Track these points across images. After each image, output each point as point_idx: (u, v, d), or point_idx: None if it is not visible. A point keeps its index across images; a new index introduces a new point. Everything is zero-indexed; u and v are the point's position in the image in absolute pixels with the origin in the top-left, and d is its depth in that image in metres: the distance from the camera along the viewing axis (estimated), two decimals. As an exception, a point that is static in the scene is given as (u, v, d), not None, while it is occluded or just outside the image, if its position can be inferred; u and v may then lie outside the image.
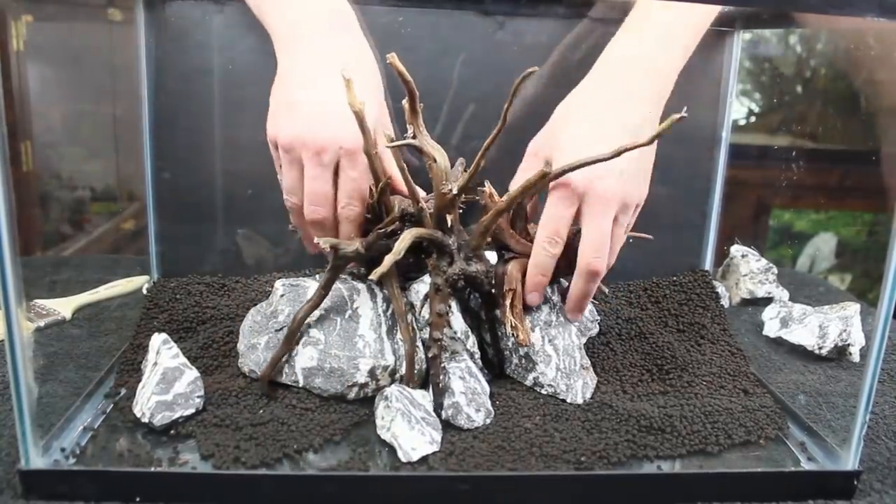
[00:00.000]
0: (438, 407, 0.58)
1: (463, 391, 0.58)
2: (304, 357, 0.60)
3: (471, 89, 0.82)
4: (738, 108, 1.47)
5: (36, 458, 0.49)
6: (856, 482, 0.52)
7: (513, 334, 0.61)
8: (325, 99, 0.63)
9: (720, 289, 0.86)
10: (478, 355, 0.63)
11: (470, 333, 0.63)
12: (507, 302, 0.62)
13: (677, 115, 0.52)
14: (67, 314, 0.79)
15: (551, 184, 0.60)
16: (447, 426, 0.57)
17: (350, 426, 0.57)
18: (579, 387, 0.62)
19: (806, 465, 0.55)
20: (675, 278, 0.85)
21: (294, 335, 0.60)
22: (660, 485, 0.52)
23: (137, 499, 0.49)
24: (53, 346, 0.72)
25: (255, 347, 0.63)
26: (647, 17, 0.68)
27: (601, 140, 0.60)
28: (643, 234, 0.67)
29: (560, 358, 0.63)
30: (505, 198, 0.60)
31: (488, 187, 0.63)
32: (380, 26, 0.80)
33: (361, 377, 0.59)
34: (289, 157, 0.63)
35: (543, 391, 0.63)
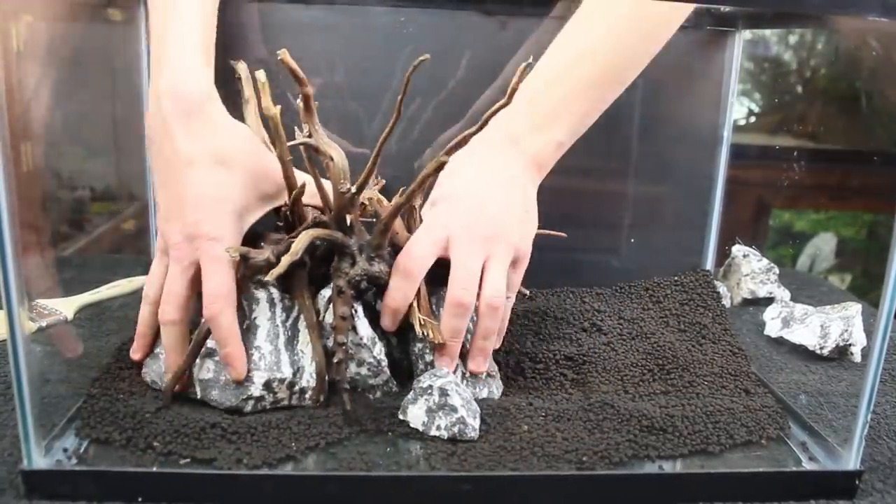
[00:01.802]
0: (351, 420, 0.56)
1: (462, 404, 0.56)
2: (203, 368, 0.58)
3: (473, 89, 0.82)
4: (739, 108, 1.47)
5: (38, 459, 0.49)
6: (857, 482, 0.52)
7: (422, 333, 0.59)
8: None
9: (721, 289, 0.86)
10: (385, 363, 0.61)
11: (377, 340, 0.61)
12: (413, 302, 0.60)
13: (524, 63, 0.52)
14: (69, 314, 0.79)
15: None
16: (452, 440, 0.55)
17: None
18: (484, 395, 0.61)
19: (807, 465, 0.55)
20: (676, 278, 0.85)
21: (198, 349, 0.58)
22: (661, 485, 0.52)
23: (140, 499, 0.49)
24: (56, 346, 0.72)
25: (157, 357, 0.61)
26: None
27: (484, 183, 0.62)
28: (555, 232, 0.66)
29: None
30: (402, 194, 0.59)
31: (376, 194, 0.62)
32: (381, 26, 0.81)
33: (256, 390, 0.57)
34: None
35: None
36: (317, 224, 0.60)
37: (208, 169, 0.59)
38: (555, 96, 0.55)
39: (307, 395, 0.59)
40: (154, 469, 0.50)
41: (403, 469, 0.52)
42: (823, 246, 1.55)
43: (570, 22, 0.67)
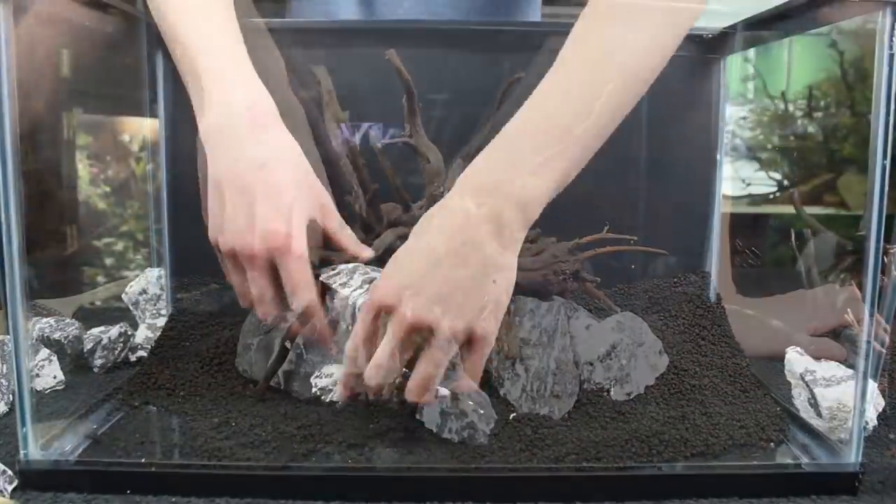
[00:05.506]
0: (416, 413, 0.56)
1: (475, 408, 0.55)
2: (286, 361, 0.61)
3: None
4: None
5: (36, 456, 0.49)
6: (857, 482, 0.52)
7: (498, 346, 0.59)
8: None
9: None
10: (461, 366, 0.60)
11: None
12: None
13: (514, 77, 0.53)
14: (68, 314, 0.80)
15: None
16: (461, 444, 0.55)
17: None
18: (543, 414, 0.59)
19: (807, 466, 0.55)
20: (675, 280, 0.85)
21: (286, 349, 0.60)
22: (662, 485, 0.52)
23: (136, 497, 0.49)
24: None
25: (248, 348, 0.64)
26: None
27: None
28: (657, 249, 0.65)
29: (528, 380, 0.59)
30: None
31: None
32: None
33: (331, 383, 0.59)
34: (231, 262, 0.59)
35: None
36: (401, 223, 0.61)
37: (282, 170, 0.57)
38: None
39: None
40: (152, 469, 0.50)
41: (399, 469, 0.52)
42: (823, 246, 1.55)
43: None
